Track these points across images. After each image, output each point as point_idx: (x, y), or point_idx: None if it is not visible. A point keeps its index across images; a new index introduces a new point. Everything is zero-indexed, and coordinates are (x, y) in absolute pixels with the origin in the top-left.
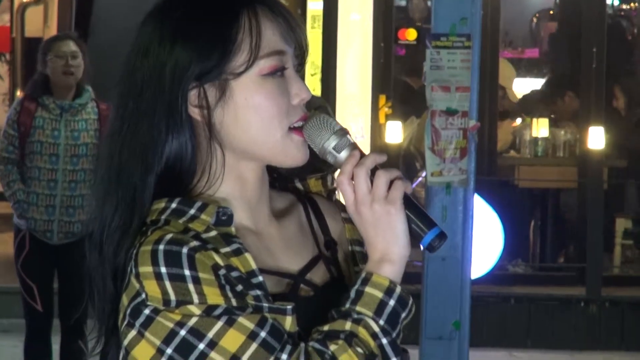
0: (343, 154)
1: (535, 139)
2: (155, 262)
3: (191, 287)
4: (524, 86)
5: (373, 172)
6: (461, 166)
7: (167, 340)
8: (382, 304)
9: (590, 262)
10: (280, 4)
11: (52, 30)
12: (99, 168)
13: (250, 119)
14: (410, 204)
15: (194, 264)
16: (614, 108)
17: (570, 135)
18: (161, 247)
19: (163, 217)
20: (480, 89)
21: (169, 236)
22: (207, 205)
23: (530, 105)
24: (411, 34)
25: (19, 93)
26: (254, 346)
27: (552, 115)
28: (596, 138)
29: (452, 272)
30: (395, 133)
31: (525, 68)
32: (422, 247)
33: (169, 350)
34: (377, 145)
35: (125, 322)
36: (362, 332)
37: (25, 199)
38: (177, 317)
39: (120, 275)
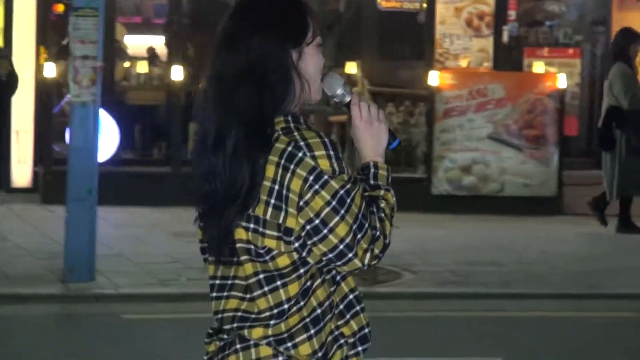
0: (348, 94)
1: (138, 74)
2: (326, 148)
3: (342, 163)
4: (134, 40)
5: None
6: (92, 91)
7: (333, 196)
8: (387, 178)
9: (173, 149)
10: None
11: None
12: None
13: (312, 67)
14: None
15: (337, 149)
16: (190, 54)
17: (160, 71)
18: (325, 139)
19: (293, 125)
20: (105, 42)
21: (320, 132)
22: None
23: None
24: (60, 7)
25: None
26: (361, 197)
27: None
28: (177, 73)
29: (86, 157)
30: (51, 71)
31: (133, 29)
32: (390, 149)
33: (333, 202)
34: (40, 78)
35: (308, 184)
36: (385, 193)
37: None
38: (340, 182)
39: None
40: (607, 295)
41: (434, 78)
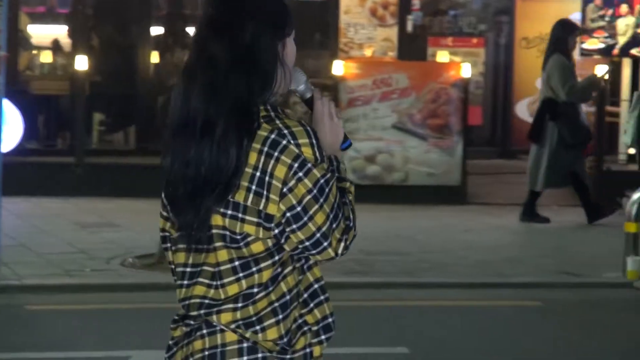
0: (310, 90)
1: (42, 64)
2: (310, 136)
3: (322, 152)
4: (38, 30)
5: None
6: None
7: (316, 185)
8: (344, 170)
9: (77, 140)
10: None
11: None
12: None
13: (290, 57)
14: None
15: (318, 137)
16: (94, 44)
17: (64, 61)
18: (308, 127)
19: (273, 114)
20: (8, 32)
21: (302, 121)
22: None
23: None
24: None
25: None
26: (336, 187)
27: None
28: (81, 63)
29: None
30: None
31: (37, 19)
32: (341, 148)
33: (314, 190)
34: None
35: (293, 172)
36: (350, 185)
37: None
38: (321, 171)
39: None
40: (511, 284)
41: (339, 67)
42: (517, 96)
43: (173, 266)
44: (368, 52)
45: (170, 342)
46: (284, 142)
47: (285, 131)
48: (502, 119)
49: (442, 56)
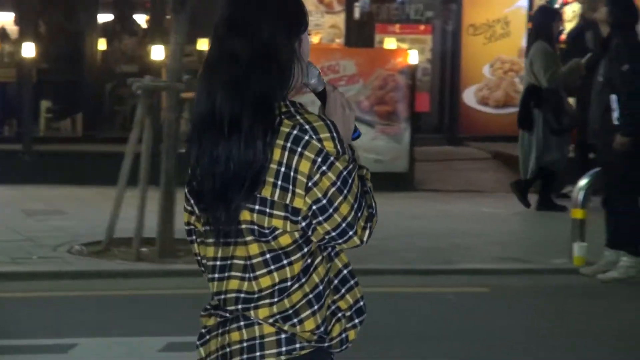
0: (322, 83)
1: None
2: (331, 130)
3: (343, 144)
4: None
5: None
6: None
7: (339, 177)
8: (358, 158)
9: (24, 127)
10: None
11: None
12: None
13: (306, 53)
14: None
15: (338, 130)
16: (42, 31)
17: (11, 48)
18: (328, 121)
19: (293, 109)
20: None
21: (321, 115)
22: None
23: None
24: None
25: None
26: (357, 177)
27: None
28: (28, 50)
29: None
30: None
31: None
32: (352, 138)
33: (338, 182)
34: None
35: (317, 166)
36: (367, 172)
37: None
38: (344, 163)
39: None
40: (459, 270)
41: None
42: (465, 83)
43: (199, 257)
44: (315, 39)
45: (203, 331)
46: (306, 137)
47: (307, 126)
48: (450, 105)
49: (390, 43)
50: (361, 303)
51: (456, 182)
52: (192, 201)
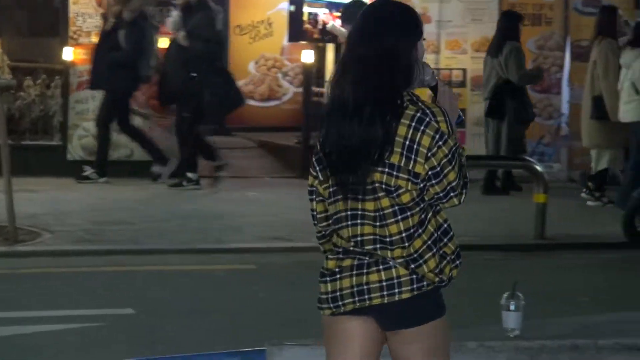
0: (434, 79)
1: None
2: (445, 115)
3: (453, 126)
4: None
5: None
6: None
7: (450, 151)
8: (458, 138)
9: None
10: None
11: None
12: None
13: (421, 55)
14: None
15: (449, 115)
16: None
17: None
18: (441, 109)
19: (415, 98)
20: None
21: (437, 104)
22: None
23: None
24: None
25: None
26: (460, 153)
27: None
28: None
29: None
30: None
31: None
32: (457, 122)
33: (449, 155)
34: None
35: (435, 141)
36: (463, 150)
37: None
38: (453, 141)
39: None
40: (229, 249)
41: (68, 53)
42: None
43: (315, 212)
44: (95, 39)
45: (336, 269)
46: (427, 119)
47: (427, 111)
48: None
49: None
50: (459, 249)
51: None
52: (317, 168)
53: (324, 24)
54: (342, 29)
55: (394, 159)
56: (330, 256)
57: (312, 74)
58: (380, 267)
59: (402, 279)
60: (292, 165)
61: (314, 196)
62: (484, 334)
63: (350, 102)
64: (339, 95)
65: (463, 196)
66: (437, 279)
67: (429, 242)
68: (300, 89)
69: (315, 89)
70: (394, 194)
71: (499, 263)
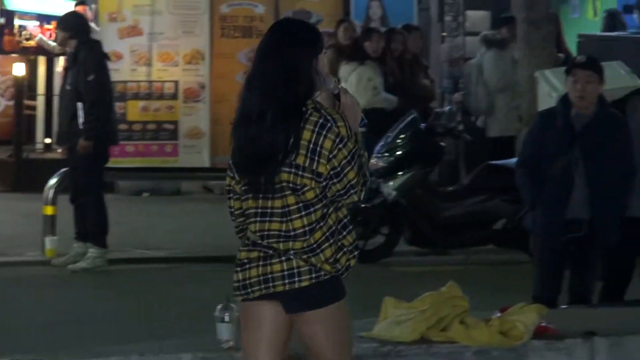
0: (336, 87)
1: None
2: (345, 121)
3: (352, 130)
4: None
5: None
6: None
7: (349, 153)
8: (360, 142)
9: None
10: None
11: None
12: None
13: (323, 67)
14: None
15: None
16: None
17: None
18: (342, 115)
19: (318, 106)
20: None
21: (337, 110)
22: None
23: None
24: None
25: None
26: (360, 154)
27: None
28: None
29: None
30: None
31: None
32: (359, 126)
33: (348, 156)
34: None
35: (335, 144)
36: (364, 152)
37: None
38: (353, 144)
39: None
40: None
41: None
42: None
43: (233, 209)
44: None
45: (245, 260)
46: (329, 124)
47: (329, 117)
48: None
49: None
50: (356, 242)
51: None
52: (234, 170)
53: (35, 36)
54: (51, 42)
55: (300, 160)
56: (241, 248)
57: (24, 87)
58: (283, 258)
59: (301, 269)
60: (4, 179)
61: (231, 194)
62: (200, 345)
63: (256, 112)
64: (246, 106)
65: (362, 193)
66: (333, 269)
67: (327, 234)
68: (11, 102)
69: (27, 102)
70: (300, 192)
71: (211, 275)
